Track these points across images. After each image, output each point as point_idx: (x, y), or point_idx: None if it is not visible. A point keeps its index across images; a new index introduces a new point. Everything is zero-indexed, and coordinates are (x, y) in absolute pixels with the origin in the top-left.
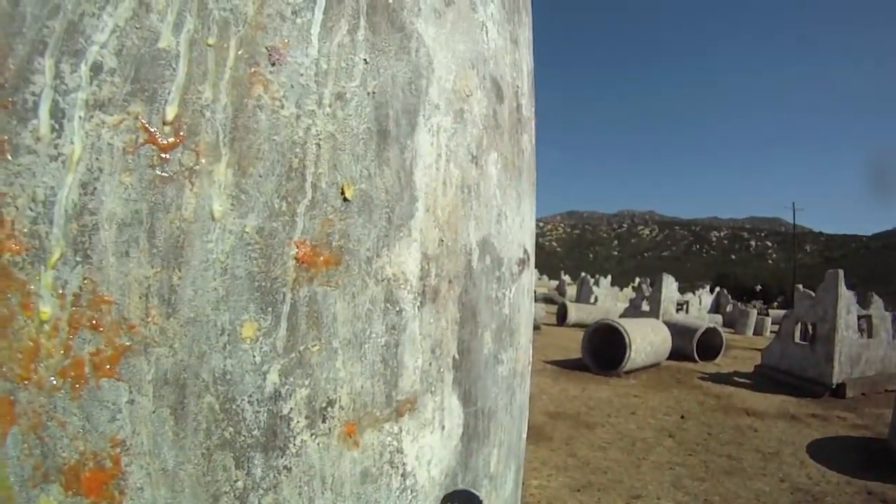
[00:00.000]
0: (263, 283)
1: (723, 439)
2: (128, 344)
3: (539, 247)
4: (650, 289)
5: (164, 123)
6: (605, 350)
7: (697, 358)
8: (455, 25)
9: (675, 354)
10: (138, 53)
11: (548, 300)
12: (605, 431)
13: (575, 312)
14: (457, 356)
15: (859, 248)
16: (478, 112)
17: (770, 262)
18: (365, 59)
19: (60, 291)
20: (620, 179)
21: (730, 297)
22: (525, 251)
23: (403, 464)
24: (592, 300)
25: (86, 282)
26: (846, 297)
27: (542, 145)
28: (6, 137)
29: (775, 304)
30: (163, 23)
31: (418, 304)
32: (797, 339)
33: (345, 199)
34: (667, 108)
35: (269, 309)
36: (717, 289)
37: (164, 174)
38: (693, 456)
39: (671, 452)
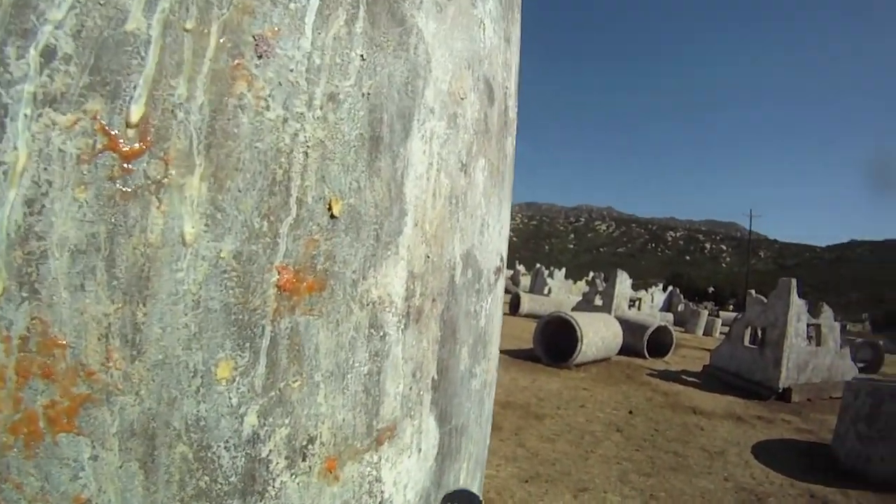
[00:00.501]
0: (241, 316)
1: (670, 436)
2: (87, 393)
3: None
4: (604, 284)
5: (128, 126)
6: (556, 342)
7: (647, 355)
8: (455, 22)
9: (625, 350)
10: (100, 37)
11: None
12: (554, 423)
13: (528, 303)
14: (436, 376)
15: (812, 259)
16: (470, 116)
17: (724, 265)
18: (362, 56)
19: (5, 334)
20: (580, 174)
21: (682, 296)
22: (501, 258)
23: (381, 492)
24: (546, 291)
25: (34, 322)
26: (797, 304)
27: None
28: None
29: (730, 306)
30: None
31: (402, 326)
32: (747, 343)
33: (332, 216)
34: (631, 105)
35: (247, 345)
36: (671, 288)
37: (126, 189)
38: (640, 451)
39: (619, 447)
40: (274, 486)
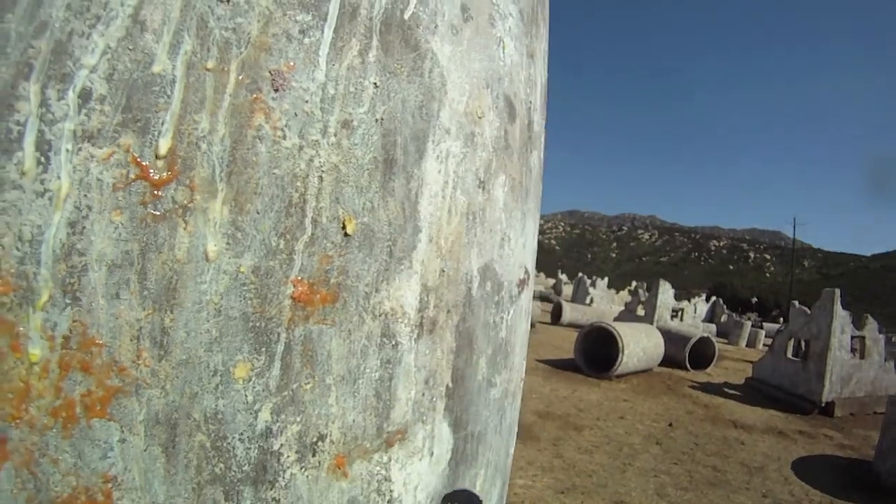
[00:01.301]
0: (258, 324)
1: (709, 450)
2: (119, 385)
3: (538, 244)
4: (646, 294)
5: (157, 157)
6: (597, 352)
7: (689, 366)
8: (472, 43)
9: (666, 361)
10: (130, 78)
11: (544, 298)
12: (592, 434)
13: (570, 312)
14: (450, 384)
15: (858, 268)
16: (489, 134)
17: (768, 275)
18: (375, 83)
19: (50, 333)
20: (624, 182)
21: (725, 307)
22: (526, 271)
23: (391, 491)
24: (588, 301)
25: (75, 324)
26: (841, 316)
27: (548, 144)
28: None
29: (780, 319)
30: (158, 44)
31: (415, 336)
32: (790, 355)
33: (345, 234)
34: (676, 114)
35: (263, 349)
36: (714, 298)
37: (156, 212)
38: (678, 465)
39: (657, 460)
40: (284, 477)
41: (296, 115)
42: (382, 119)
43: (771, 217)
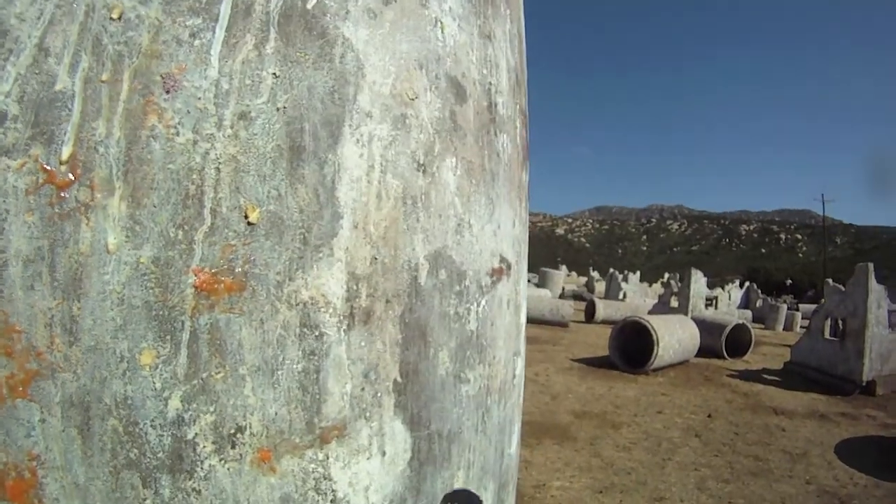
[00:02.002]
0: (161, 312)
1: (750, 439)
2: (36, 369)
3: (568, 243)
4: (679, 284)
5: (61, 163)
6: (632, 347)
7: (726, 355)
8: (396, 24)
9: (703, 351)
10: (38, 98)
11: (577, 297)
12: (630, 431)
13: (603, 309)
14: (399, 379)
15: (891, 240)
16: (427, 116)
17: (800, 255)
18: (274, 73)
19: None
20: (649, 174)
21: (759, 291)
22: (503, 259)
23: (333, 490)
24: (621, 296)
25: (1, 313)
26: (876, 290)
27: (572, 142)
28: None
29: (815, 296)
30: (60, 65)
31: (344, 327)
32: (827, 335)
33: (248, 223)
34: (696, 101)
35: (168, 337)
36: (747, 283)
37: (61, 211)
38: (719, 457)
39: (696, 453)
40: (202, 468)
41: (188, 112)
42: (285, 108)
43: (799, 196)
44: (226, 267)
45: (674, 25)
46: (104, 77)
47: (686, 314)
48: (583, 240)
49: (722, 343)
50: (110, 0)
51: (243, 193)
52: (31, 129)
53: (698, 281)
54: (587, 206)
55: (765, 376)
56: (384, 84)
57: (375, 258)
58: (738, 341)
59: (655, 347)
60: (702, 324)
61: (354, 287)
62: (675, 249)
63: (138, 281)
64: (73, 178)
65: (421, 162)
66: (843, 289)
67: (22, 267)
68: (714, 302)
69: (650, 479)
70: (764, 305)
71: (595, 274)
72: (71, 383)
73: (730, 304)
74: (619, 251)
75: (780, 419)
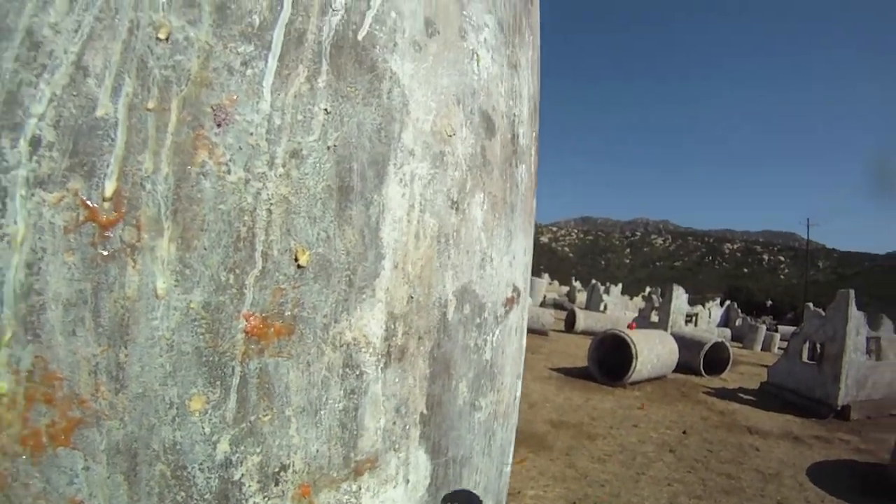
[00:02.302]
0: (211, 358)
1: (723, 457)
2: (80, 417)
3: (552, 251)
4: (660, 299)
5: (104, 199)
6: (611, 359)
7: (704, 372)
8: (438, 58)
9: (681, 367)
10: (76, 124)
11: (557, 306)
12: (606, 443)
13: (584, 320)
14: (425, 411)
15: (873, 267)
16: (462, 152)
17: (782, 276)
18: (326, 109)
19: (15, 367)
20: (637, 187)
21: (740, 310)
22: (515, 289)
23: None
24: (602, 308)
25: (37, 359)
26: (856, 317)
27: (558, 152)
28: None
29: (794, 319)
30: (100, 88)
31: (381, 365)
32: (805, 358)
33: (299, 266)
34: (686, 118)
35: (218, 382)
36: (728, 302)
37: (105, 252)
38: (692, 473)
39: (670, 468)
40: None
41: (240, 148)
42: (335, 146)
43: (784, 219)
44: (276, 311)
45: (673, 33)
46: (150, 105)
47: (666, 329)
48: (566, 249)
49: (700, 360)
50: (156, 17)
51: (294, 236)
52: (68, 159)
53: (679, 297)
54: (572, 215)
55: (741, 395)
56: (426, 121)
57: (412, 297)
58: (716, 359)
59: (634, 361)
60: (681, 340)
61: (392, 326)
62: (658, 264)
63: (188, 327)
64: (117, 216)
65: (455, 200)
66: (823, 313)
67: (62, 311)
68: (694, 319)
69: (624, 493)
70: (743, 325)
71: (577, 284)
72: (117, 430)
73: (710, 321)
74: (602, 262)
75: (755, 439)
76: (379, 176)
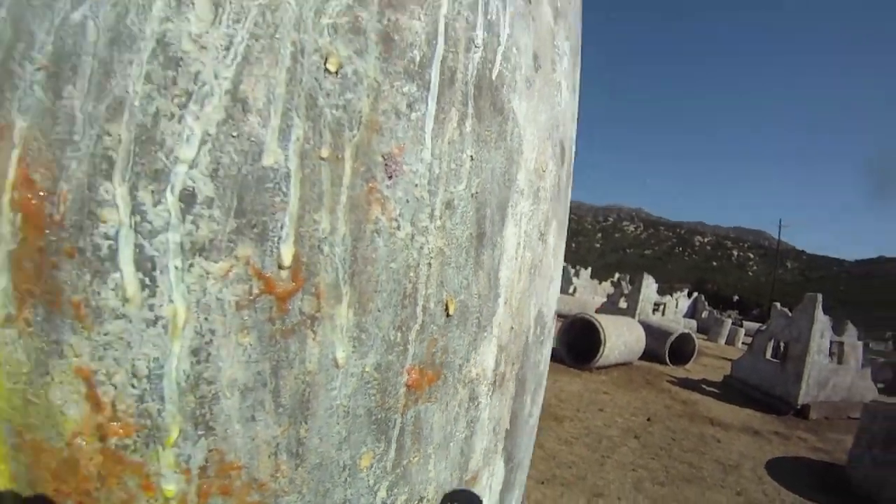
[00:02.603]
0: (379, 415)
1: (685, 446)
2: (259, 500)
3: None
4: (629, 286)
5: (280, 267)
6: (580, 343)
7: (669, 361)
8: (541, 94)
9: (647, 355)
10: (238, 174)
11: None
12: (573, 426)
13: None
14: (508, 427)
15: (840, 272)
16: (549, 185)
17: (750, 273)
18: (471, 156)
19: (185, 467)
20: (612, 173)
21: (707, 303)
22: (554, 301)
23: None
24: (571, 290)
25: (212, 453)
26: (822, 321)
27: None
28: (81, 299)
29: (759, 315)
30: (265, 128)
31: (490, 393)
32: (769, 356)
33: (447, 315)
34: (665, 109)
35: (383, 437)
36: (696, 294)
37: (284, 327)
38: (655, 460)
39: (635, 454)
40: None
41: (408, 202)
42: (476, 193)
43: (756, 217)
44: (429, 361)
45: (648, 27)
46: (324, 153)
47: (634, 316)
48: None
49: (666, 350)
50: (322, 43)
51: (446, 286)
52: (234, 220)
53: (649, 286)
54: None
55: (704, 387)
56: (531, 159)
57: (512, 328)
58: (681, 349)
59: (602, 346)
60: (648, 328)
61: (499, 357)
62: (628, 251)
63: (362, 390)
64: (295, 285)
65: (542, 231)
66: (789, 314)
67: (239, 398)
68: (662, 308)
69: (590, 475)
70: (709, 317)
71: None
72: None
73: (676, 311)
74: (573, 245)
75: (716, 430)
76: (502, 219)
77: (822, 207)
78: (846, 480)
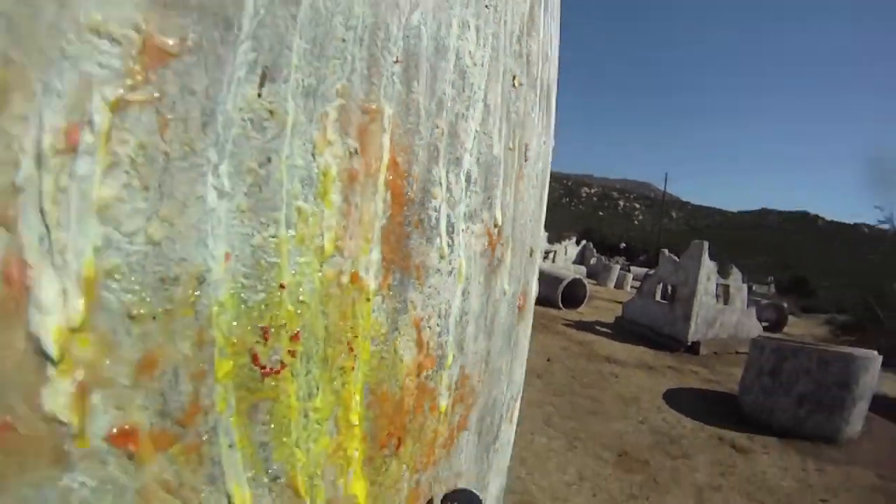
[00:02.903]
0: (506, 326)
1: (586, 382)
2: (471, 402)
3: None
4: None
5: (495, 225)
6: None
7: (562, 306)
8: None
9: (540, 301)
10: (485, 161)
11: None
12: None
13: None
14: None
15: (723, 222)
16: None
17: (636, 223)
18: None
19: (450, 384)
20: None
21: (595, 250)
22: None
23: None
24: None
25: (461, 369)
26: (708, 266)
27: None
28: (420, 261)
29: (646, 261)
30: (494, 128)
31: None
32: (658, 298)
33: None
34: (569, 50)
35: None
36: (584, 242)
37: (490, 268)
38: (560, 397)
39: (541, 392)
40: None
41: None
42: None
43: (642, 170)
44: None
45: None
46: (511, 145)
47: None
48: None
49: (559, 295)
50: (511, 65)
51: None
52: (483, 193)
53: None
54: None
55: (598, 328)
56: None
57: None
58: (573, 294)
59: None
60: (540, 275)
61: None
62: None
63: (508, 311)
64: (499, 237)
65: None
66: (677, 259)
67: (473, 325)
68: (552, 255)
69: None
70: (598, 263)
71: None
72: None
73: (566, 258)
74: None
75: (613, 367)
76: None
77: (707, 161)
78: (738, 407)
